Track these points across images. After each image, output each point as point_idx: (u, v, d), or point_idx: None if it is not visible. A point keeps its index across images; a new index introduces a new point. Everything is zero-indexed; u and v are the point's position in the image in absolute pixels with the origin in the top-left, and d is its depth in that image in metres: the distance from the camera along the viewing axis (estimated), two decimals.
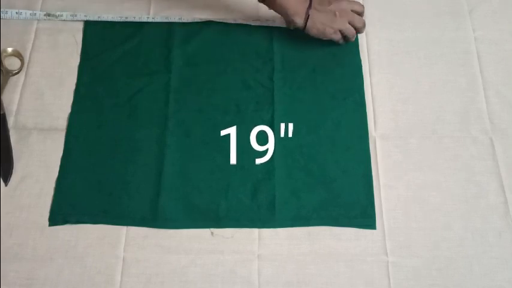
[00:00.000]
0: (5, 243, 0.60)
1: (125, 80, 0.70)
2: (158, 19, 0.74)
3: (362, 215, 0.62)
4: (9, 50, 0.71)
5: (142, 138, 0.66)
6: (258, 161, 0.65)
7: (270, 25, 0.74)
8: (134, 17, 0.74)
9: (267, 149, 0.65)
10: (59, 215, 0.61)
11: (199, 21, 0.74)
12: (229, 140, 0.66)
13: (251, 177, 0.64)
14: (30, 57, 0.71)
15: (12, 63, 0.70)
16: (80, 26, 0.74)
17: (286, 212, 0.62)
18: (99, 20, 0.73)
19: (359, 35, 0.73)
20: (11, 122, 0.67)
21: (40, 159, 0.64)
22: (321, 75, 0.71)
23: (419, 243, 0.61)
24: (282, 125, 0.67)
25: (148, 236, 0.61)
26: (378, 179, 0.64)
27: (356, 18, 0.69)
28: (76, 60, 0.71)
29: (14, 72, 0.70)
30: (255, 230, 0.61)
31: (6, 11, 0.73)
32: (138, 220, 0.61)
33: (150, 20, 0.74)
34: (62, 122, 0.67)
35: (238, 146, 0.65)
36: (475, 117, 0.69)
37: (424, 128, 0.68)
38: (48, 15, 0.73)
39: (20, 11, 0.73)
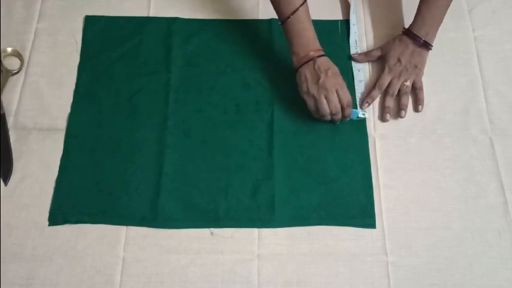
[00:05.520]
0: (5, 243, 0.60)
1: (125, 79, 0.70)
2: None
3: (362, 214, 0.62)
4: (9, 49, 0.71)
5: (142, 138, 0.66)
6: (258, 160, 0.65)
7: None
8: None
9: (267, 149, 0.65)
10: (59, 214, 0.61)
11: (199, 19, 0.74)
12: (229, 139, 0.66)
13: (251, 177, 0.64)
14: (29, 57, 0.71)
15: (11, 63, 0.70)
16: (80, 25, 0.74)
17: (285, 212, 0.62)
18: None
19: (358, 37, 0.73)
20: (10, 121, 0.67)
21: (40, 159, 0.64)
22: None
23: (419, 243, 0.61)
24: (282, 125, 0.67)
25: (148, 235, 0.61)
26: (378, 178, 0.64)
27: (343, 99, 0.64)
28: (76, 60, 0.71)
29: (14, 72, 0.70)
30: (255, 230, 0.61)
31: None
32: (137, 220, 0.61)
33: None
34: (62, 122, 0.67)
35: (238, 146, 0.65)
36: (475, 117, 0.69)
37: (424, 128, 0.68)
38: None
39: None
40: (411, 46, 0.68)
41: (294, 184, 0.64)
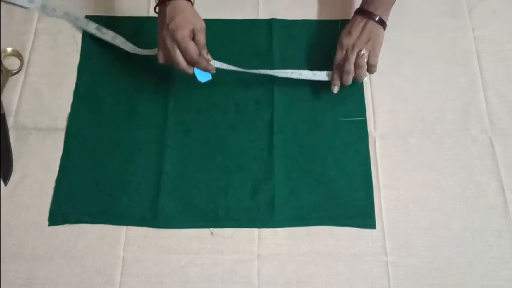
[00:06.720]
0: (5, 243, 0.60)
1: (125, 80, 0.70)
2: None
3: (362, 214, 0.62)
4: (9, 49, 0.71)
5: (142, 138, 0.66)
6: (258, 160, 0.65)
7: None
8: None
9: (267, 149, 0.65)
10: (59, 214, 0.61)
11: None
12: (229, 139, 0.66)
13: (251, 177, 0.64)
14: (29, 57, 0.71)
15: (11, 63, 0.70)
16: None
17: (285, 212, 0.62)
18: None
19: None
20: (10, 121, 0.67)
21: (40, 159, 0.64)
22: None
23: (419, 243, 0.61)
24: (282, 125, 0.67)
25: (148, 235, 0.61)
26: (378, 178, 0.64)
27: None
28: (75, 60, 0.71)
29: (14, 72, 0.70)
30: (255, 230, 0.61)
31: None
32: (137, 220, 0.61)
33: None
34: (62, 122, 0.67)
35: (238, 146, 0.65)
36: (475, 117, 0.69)
37: (424, 128, 0.68)
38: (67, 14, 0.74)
39: None
40: (360, 19, 0.66)
41: (294, 184, 0.64)
